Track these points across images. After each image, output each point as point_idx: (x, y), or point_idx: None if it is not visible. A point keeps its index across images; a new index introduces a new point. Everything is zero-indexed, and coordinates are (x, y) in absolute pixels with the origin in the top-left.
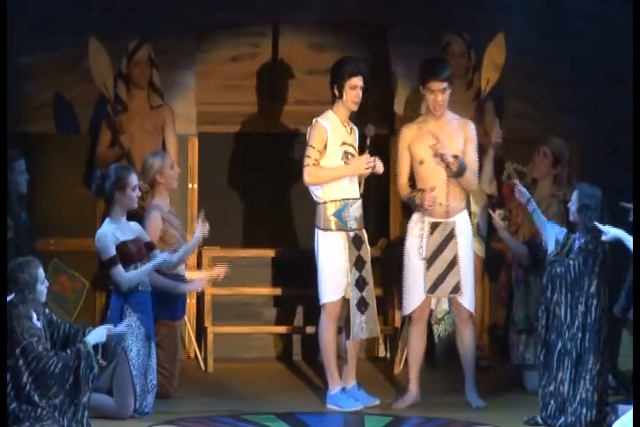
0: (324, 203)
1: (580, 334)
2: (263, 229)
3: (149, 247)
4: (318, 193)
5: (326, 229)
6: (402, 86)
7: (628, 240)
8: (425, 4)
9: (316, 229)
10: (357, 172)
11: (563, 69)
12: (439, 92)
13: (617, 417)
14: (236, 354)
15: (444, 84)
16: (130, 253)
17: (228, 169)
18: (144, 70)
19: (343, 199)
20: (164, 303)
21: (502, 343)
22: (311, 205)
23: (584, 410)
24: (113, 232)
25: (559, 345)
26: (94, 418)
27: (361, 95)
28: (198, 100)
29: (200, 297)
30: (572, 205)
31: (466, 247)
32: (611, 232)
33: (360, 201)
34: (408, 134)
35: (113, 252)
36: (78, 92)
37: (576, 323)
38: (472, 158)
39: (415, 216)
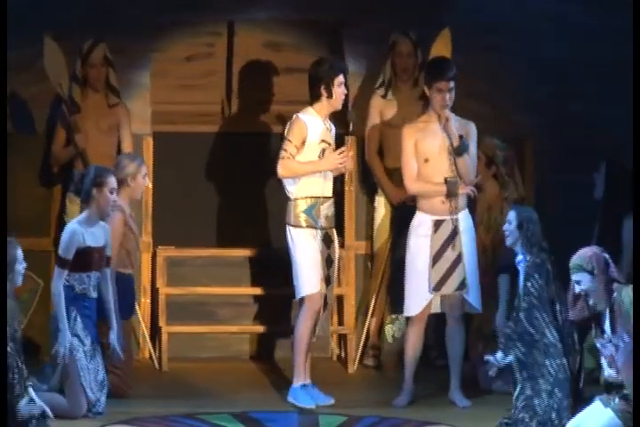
0: (296, 199)
1: (551, 349)
2: (219, 229)
3: (108, 262)
4: (291, 189)
5: (296, 226)
6: (356, 85)
7: None
8: (379, 3)
9: (287, 226)
10: (330, 166)
11: (515, 69)
12: (447, 92)
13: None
14: (190, 353)
15: (452, 84)
16: (91, 261)
17: (183, 168)
18: (99, 71)
19: (314, 197)
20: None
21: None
22: (267, 204)
23: (552, 415)
24: (83, 233)
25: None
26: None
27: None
28: (153, 99)
29: (154, 297)
30: (510, 225)
31: (470, 244)
32: None
33: (332, 200)
34: (412, 132)
35: (70, 254)
36: (34, 92)
37: (545, 336)
38: (472, 153)
39: (419, 216)
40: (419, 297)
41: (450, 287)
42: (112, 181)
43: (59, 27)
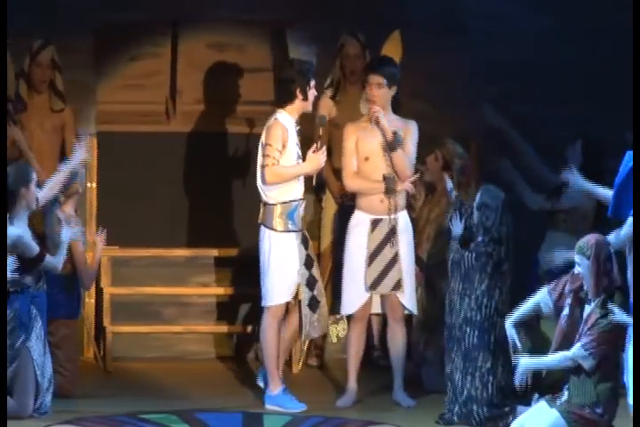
0: (275, 204)
1: (467, 329)
2: (164, 229)
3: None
4: (271, 194)
5: (277, 230)
6: None
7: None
8: (325, 3)
9: (265, 230)
10: (315, 168)
11: (462, 69)
12: (374, 86)
13: (514, 417)
14: (135, 354)
15: (380, 79)
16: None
17: (127, 168)
18: (45, 72)
19: (294, 200)
20: (61, 302)
21: None
22: (211, 203)
23: (474, 407)
24: (26, 230)
25: (452, 330)
26: None
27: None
28: (98, 99)
29: (99, 297)
30: (474, 204)
31: (407, 244)
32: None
33: (305, 201)
34: (354, 131)
35: (37, 247)
36: None
37: (462, 315)
38: (409, 149)
39: (356, 215)
40: (355, 296)
41: (386, 287)
42: (34, 176)
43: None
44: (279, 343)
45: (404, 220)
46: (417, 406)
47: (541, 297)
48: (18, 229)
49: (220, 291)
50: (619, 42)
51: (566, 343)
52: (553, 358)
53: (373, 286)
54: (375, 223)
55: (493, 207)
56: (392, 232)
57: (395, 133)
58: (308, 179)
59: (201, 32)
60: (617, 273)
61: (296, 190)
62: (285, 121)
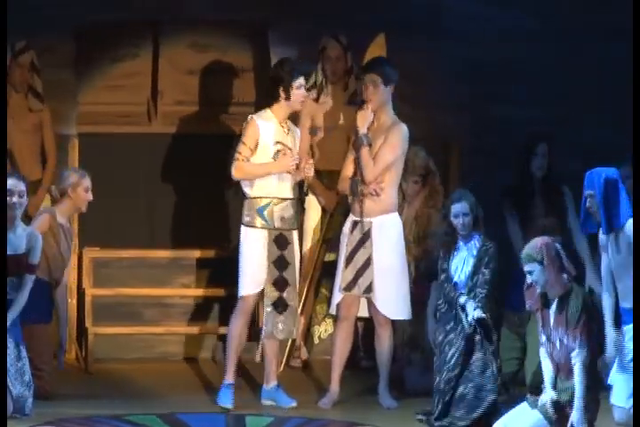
0: (250, 199)
1: (452, 336)
2: (145, 230)
3: (30, 269)
4: (246, 189)
5: (248, 225)
6: None
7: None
8: (306, 4)
9: (241, 225)
10: (282, 169)
11: (442, 70)
12: (369, 85)
13: (496, 419)
14: (117, 355)
15: (375, 77)
16: (8, 267)
17: (108, 169)
18: (24, 74)
19: (268, 197)
20: (32, 308)
21: None
22: (194, 204)
23: (464, 414)
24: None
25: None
26: None
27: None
28: (79, 100)
29: (80, 298)
30: (465, 217)
31: (384, 249)
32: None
33: (290, 202)
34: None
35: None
36: None
37: (446, 324)
38: (380, 155)
39: (349, 215)
40: (335, 296)
41: (359, 289)
42: (18, 184)
43: None
44: (243, 336)
45: (382, 224)
46: (399, 407)
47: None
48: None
49: (202, 292)
50: (606, 42)
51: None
52: (581, 380)
53: (348, 288)
54: (354, 225)
55: (468, 212)
56: (367, 235)
57: (366, 133)
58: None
59: (182, 33)
60: (569, 264)
61: (269, 188)
62: (262, 120)
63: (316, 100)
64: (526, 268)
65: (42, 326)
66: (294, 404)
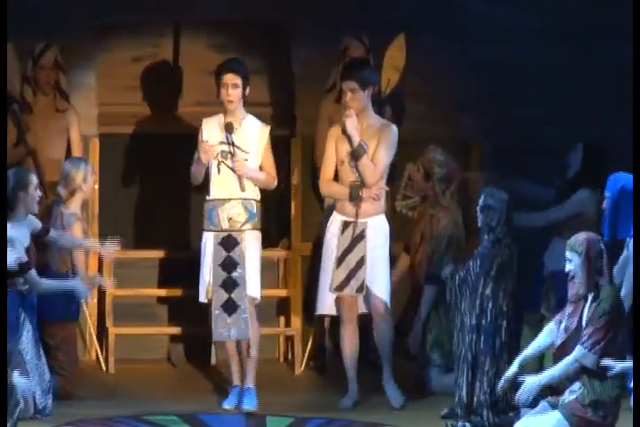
0: (205, 202)
1: (474, 336)
2: (165, 230)
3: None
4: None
5: (204, 229)
6: (302, 87)
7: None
8: (326, 5)
9: None
10: (200, 165)
11: (464, 71)
12: (348, 92)
13: (519, 419)
14: (137, 355)
15: (353, 84)
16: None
17: (129, 170)
18: (49, 74)
19: (215, 199)
20: (58, 305)
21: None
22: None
23: (484, 412)
24: (19, 236)
25: (460, 350)
26: None
27: (235, 93)
28: (99, 100)
29: (101, 298)
30: (478, 207)
31: (377, 249)
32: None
33: (237, 202)
34: (335, 133)
35: (25, 258)
36: None
37: (467, 325)
38: (378, 157)
39: (333, 215)
40: (326, 296)
41: (351, 289)
42: (34, 179)
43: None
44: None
45: (376, 224)
46: (421, 407)
47: (547, 333)
48: (11, 233)
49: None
50: (622, 42)
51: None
52: (557, 368)
53: (339, 288)
54: (345, 225)
55: (497, 209)
56: (360, 236)
57: (360, 141)
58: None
59: (202, 33)
60: (607, 267)
61: (215, 189)
62: (209, 122)
63: (338, 100)
64: (567, 255)
65: (69, 324)
66: (252, 408)
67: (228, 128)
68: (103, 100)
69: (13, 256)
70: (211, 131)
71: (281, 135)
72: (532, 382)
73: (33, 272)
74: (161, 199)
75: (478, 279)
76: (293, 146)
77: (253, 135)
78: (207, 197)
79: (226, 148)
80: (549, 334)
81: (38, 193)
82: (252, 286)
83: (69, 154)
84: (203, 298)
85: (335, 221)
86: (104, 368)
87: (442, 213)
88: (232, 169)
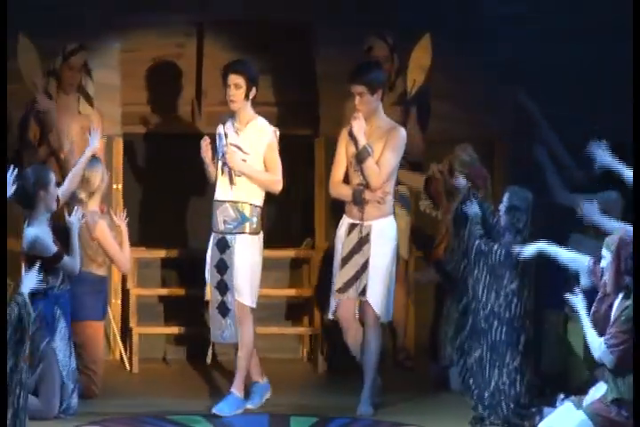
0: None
1: (495, 322)
2: (190, 229)
3: (54, 260)
4: None
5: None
6: (326, 87)
7: (551, 250)
8: (350, 4)
9: None
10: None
11: (487, 70)
12: (357, 95)
13: (541, 419)
14: (160, 355)
15: (361, 88)
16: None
17: (153, 169)
18: (75, 75)
19: (216, 200)
20: (87, 304)
21: (429, 344)
22: None
23: (502, 398)
24: (41, 232)
25: (475, 319)
26: None
27: (238, 94)
28: (123, 100)
29: (125, 298)
30: (502, 207)
31: (381, 253)
32: (530, 250)
33: (230, 204)
34: (345, 135)
35: (54, 247)
36: (9, 90)
37: (489, 306)
38: (384, 160)
39: (343, 218)
40: (331, 300)
41: (354, 292)
42: (53, 177)
43: (30, 26)
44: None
45: (381, 228)
46: (444, 407)
47: (582, 259)
48: (35, 230)
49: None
50: None
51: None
52: (570, 257)
53: (342, 290)
54: (351, 228)
55: (523, 209)
56: (365, 239)
57: (365, 144)
58: None
59: (226, 33)
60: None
61: (218, 190)
62: (222, 122)
63: None
64: (602, 252)
65: (94, 323)
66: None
67: (222, 119)
68: (127, 100)
69: (46, 249)
70: (220, 132)
71: (304, 135)
72: (540, 245)
73: (66, 258)
74: (188, 198)
75: (501, 268)
76: (317, 146)
77: (258, 137)
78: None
79: (230, 149)
80: (583, 265)
81: (57, 191)
82: (242, 291)
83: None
84: (208, 296)
85: (343, 224)
86: (128, 368)
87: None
88: (225, 163)
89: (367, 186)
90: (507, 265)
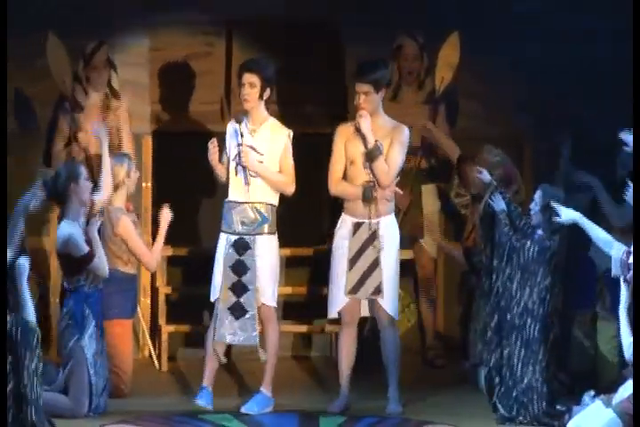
0: (224, 203)
1: (528, 319)
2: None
3: (87, 260)
4: None
5: (220, 229)
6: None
7: (585, 223)
8: (379, 3)
9: None
10: (210, 162)
11: (514, 69)
12: (362, 94)
13: (570, 418)
14: (190, 353)
15: (367, 87)
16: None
17: (182, 168)
18: (101, 73)
19: (229, 201)
20: (116, 302)
21: (458, 342)
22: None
23: (534, 397)
24: (75, 232)
25: (507, 316)
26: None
27: (251, 93)
28: (152, 98)
29: (154, 296)
30: (535, 206)
31: (391, 250)
32: (568, 215)
33: (249, 205)
34: (344, 133)
35: (86, 247)
36: (38, 89)
37: (522, 304)
38: (392, 158)
39: (342, 218)
40: (336, 300)
41: (365, 292)
42: (83, 171)
43: (59, 25)
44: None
45: (387, 224)
46: (474, 406)
47: (616, 246)
48: (69, 228)
49: (287, 290)
50: None
51: None
52: (605, 238)
53: (353, 291)
54: (357, 227)
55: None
56: (373, 236)
57: (376, 141)
58: None
59: (255, 31)
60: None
61: (233, 190)
62: (232, 122)
63: (393, 98)
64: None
65: (123, 321)
66: (252, 411)
67: (237, 118)
68: (156, 98)
69: (78, 249)
70: (231, 132)
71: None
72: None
73: (97, 260)
74: (214, 197)
75: (534, 264)
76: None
77: (273, 139)
78: (226, 198)
79: (242, 149)
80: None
81: (89, 184)
82: (266, 292)
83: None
84: (213, 298)
85: (345, 224)
86: (157, 366)
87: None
88: (241, 164)
89: (377, 184)
90: (540, 262)
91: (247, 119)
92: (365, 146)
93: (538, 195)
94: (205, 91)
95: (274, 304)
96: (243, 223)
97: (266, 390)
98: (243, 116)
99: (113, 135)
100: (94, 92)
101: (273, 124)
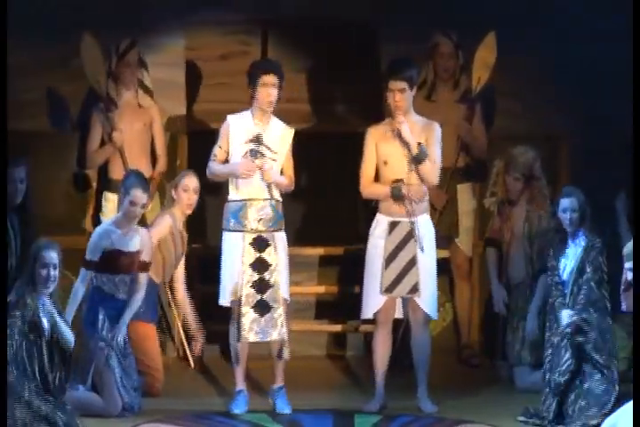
0: (228, 202)
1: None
2: None
3: (143, 267)
4: (231, 191)
5: (225, 229)
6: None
7: None
8: (413, 3)
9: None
10: (237, 172)
11: (551, 69)
12: (397, 92)
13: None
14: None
15: (403, 84)
16: (118, 264)
17: None
18: (134, 72)
19: (243, 199)
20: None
21: (494, 342)
22: (299, 204)
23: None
24: (110, 235)
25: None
26: (84, 416)
27: (275, 94)
28: (188, 98)
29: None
30: (573, 213)
31: (428, 248)
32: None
33: (267, 202)
34: (375, 134)
35: (95, 256)
36: (71, 89)
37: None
38: (432, 154)
39: (377, 217)
40: (373, 299)
41: (402, 290)
42: (142, 197)
43: (93, 25)
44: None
45: (423, 223)
46: (508, 405)
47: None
48: (101, 228)
49: (321, 289)
50: None
51: None
52: None
53: (389, 290)
54: (393, 226)
55: (581, 209)
56: (410, 235)
57: (419, 144)
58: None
59: (290, 31)
60: None
61: (247, 189)
62: (236, 119)
63: (428, 97)
64: (626, 265)
65: (146, 324)
66: (288, 411)
67: (259, 140)
68: (192, 98)
69: (89, 249)
70: (238, 130)
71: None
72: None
73: (145, 276)
74: None
75: (582, 279)
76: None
77: (281, 137)
78: (231, 197)
79: (253, 146)
80: None
81: (145, 198)
82: (283, 287)
83: (154, 151)
84: (226, 300)
85: (381, 224)
86: (192, 365)
87: (539, 210)
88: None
89: (424, 183)
90: (589, 261)
91: (257, 120)
92: (408, 150)
93: (572, 202)
94: (241, 90)
95: (288, 299)
96: (261, 220)
97: (283, 384)
98: (262, 139)
99: (145, 133)
100: (126, 91)
101: (276, 123)
